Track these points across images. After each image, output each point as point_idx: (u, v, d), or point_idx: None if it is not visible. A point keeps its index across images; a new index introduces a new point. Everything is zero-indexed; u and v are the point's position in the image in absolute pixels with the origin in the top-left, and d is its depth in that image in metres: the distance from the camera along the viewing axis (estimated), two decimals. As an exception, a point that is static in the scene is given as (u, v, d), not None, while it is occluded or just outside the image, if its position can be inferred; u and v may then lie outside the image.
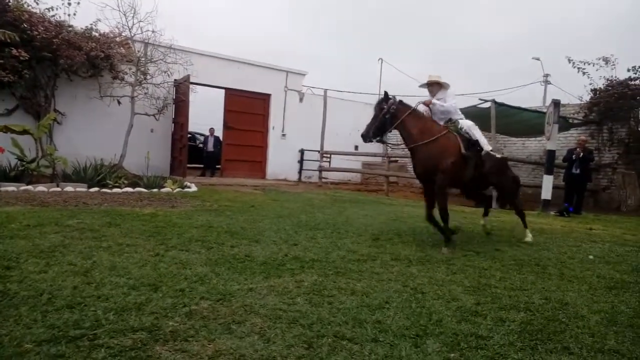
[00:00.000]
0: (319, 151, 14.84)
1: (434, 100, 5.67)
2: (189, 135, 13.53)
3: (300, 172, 15.77)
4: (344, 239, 5.25)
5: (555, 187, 10.93)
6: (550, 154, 10.98)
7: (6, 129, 8.72)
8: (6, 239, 4.12)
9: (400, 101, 5.43)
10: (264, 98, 15.06)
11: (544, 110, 12.31)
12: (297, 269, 3.81)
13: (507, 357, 2.38)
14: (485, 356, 2.38)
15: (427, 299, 3.21)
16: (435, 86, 5.77)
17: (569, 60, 13.13)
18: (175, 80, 12.24)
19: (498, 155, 5.21)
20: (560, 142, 12.85)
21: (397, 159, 15.64)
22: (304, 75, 16.12)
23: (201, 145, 16.54)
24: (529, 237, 5.94)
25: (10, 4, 9.81)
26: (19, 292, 2.78)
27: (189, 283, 3.21)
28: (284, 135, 15.36)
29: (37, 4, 10.27)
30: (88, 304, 2.68)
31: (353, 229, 6.03)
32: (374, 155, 15.55)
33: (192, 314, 2.64)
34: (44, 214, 5.58)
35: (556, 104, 11.01)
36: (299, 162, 15.77)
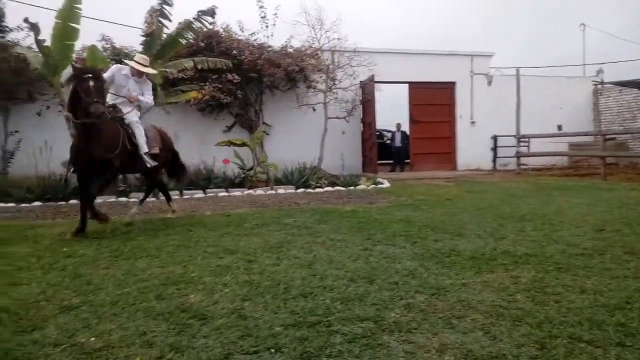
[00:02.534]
0: (515, 136, 13.71)
1: (141, 98, 5.74)
2: (377, 133, 13.96)
3: (494, 160, 14.78)
4: (560, 231, 4.75)
5: None
6: None
7: (230, 143, 10.37)
8: (243, 237, 4.89)
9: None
10: (449, 87, 14.60)
11: None
12: (510, 264, 3.60)
13: None
14: None
15: (685, 301, 2.69)
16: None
17: None
18: (360, 81, 12.78)
19: None
20: None
21: (614, 135, 13.39)
22: (491, 56, 15.09)
23: (389, 141, 16.89)
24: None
25: (222, 35, 11.60)
26: (261, 282, 3.27)
27: (401, 277, 3.32)
28: (473, 122, 14.62)
29: (242, 31, 11.93)
30: (317, 293, 3.00)
31: (568, 219, 5.42)
32: (585, 134, 13.64)
33: (410, 307, 2.73)
34: (266, 214, 6.45)
35: None
36: (492, 149, 14.79)
